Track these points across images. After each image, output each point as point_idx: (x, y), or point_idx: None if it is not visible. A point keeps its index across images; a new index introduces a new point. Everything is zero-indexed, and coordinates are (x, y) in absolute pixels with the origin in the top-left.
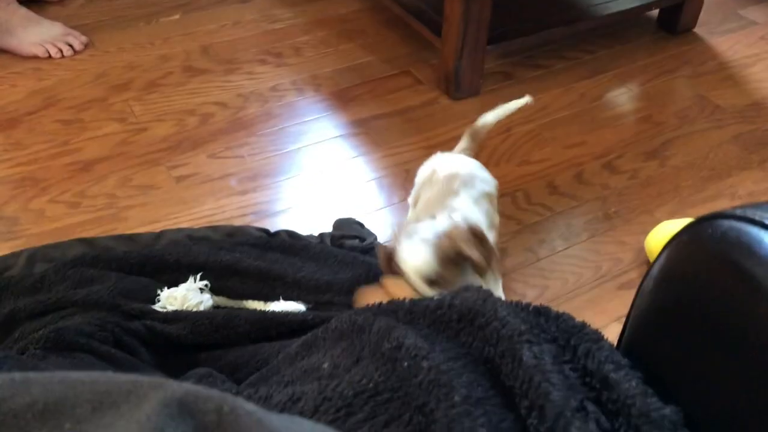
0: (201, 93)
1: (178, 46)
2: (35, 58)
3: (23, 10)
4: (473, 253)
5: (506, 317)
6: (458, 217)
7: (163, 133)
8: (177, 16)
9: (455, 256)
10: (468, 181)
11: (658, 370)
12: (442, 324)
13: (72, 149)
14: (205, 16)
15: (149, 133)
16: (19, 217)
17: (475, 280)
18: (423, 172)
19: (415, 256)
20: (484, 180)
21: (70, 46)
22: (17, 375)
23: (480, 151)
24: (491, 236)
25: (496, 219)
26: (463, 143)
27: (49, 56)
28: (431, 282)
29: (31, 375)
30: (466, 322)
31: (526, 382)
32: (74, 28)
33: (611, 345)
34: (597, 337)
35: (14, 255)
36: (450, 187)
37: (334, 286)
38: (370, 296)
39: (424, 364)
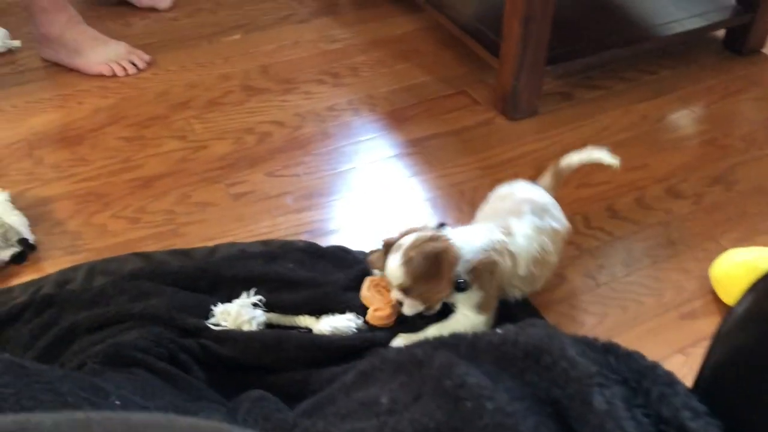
0: (259, 112)
1: (238, 66)
2: (101, 76)
3: (91, 31)
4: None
5: (575, 357)
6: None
7: (222, 151)
8: (237, 36)
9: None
10: (538, 210)
11: (739, 419)
12: (506, 361)
13: (134, 165)
14: (264, 36)
15: (208, 150)
16: (81, 232)
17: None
18: (500, 189)
19: (391, 267)
20: (556, 218)
21: (134, 64)
22: (80, 415)
23: (538, 173)
24: (529, 267)
25: (552, 258)
26: (545, 180)
27: (114, 74)
28: (405, 291)
29: (93, 415)
30: (531, 361)
31: (597, 428)
32: (138, 47)
33: (686, 389)
34: (671, 380)
35: (74, 269)
36: (519, 207)
37: None
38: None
39: (489, 405)
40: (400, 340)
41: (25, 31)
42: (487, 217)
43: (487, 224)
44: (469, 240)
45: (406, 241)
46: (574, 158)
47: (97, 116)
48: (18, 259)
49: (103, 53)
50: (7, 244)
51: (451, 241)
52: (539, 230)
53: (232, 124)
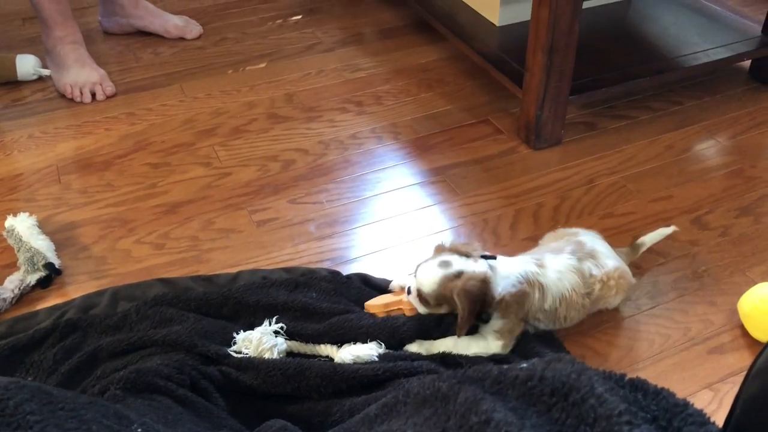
0: (284, 139)
1: (263, 94)
2: (127, 102)
3: (80, 52)
4: (459, 307)
5: (603, 394)
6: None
7: (246, 178)
8: (263, 65)
9: (450, 297)
10: (582, 254)
11: None
12: (533, 397)
13: (159, 192)
14: (289, 65)
15: (233, 177)
16: (106, 257)
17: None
18: (568, 229)
19: (425, 276)
20: (600, 265)
21: (93, 94)
22: None
23: (562, 203)
24: (554, 303)
25: (582, 301)
26: (624, 249)
27: (72, 99)
28: (425, 302)
29: None
30: (559, 397)
31: None
32: (166, 75)
33: (718, 429)
34: (702, 420)
35: (99, 293)
36: (563, 246)
37: (406, 329)
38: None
39: None
40: (415, 346)
41: None
42: (537, 249)
43: (524, 257)
44: (506, 274)
45: (454, 261)
46: (646, 238)
47: (124, 143)
48: (44, 284)
49: (74, 75)
50: (34, 269)
51: (491, 283)
52: (574, 270)
53: (256, 152)
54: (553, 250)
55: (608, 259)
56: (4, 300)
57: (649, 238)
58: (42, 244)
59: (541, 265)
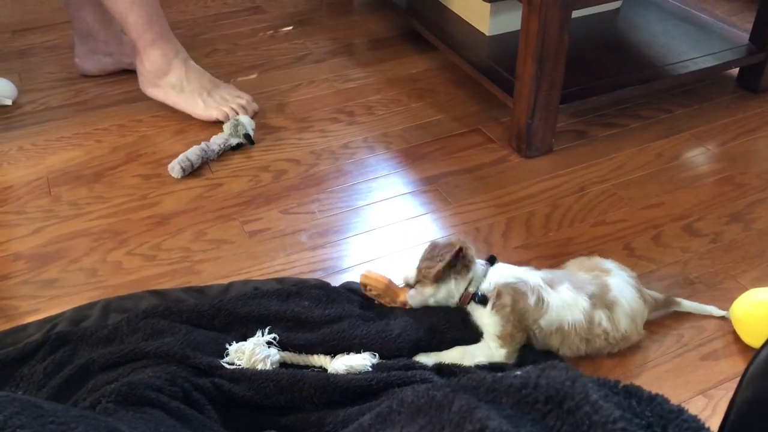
0: (275, 150)
1: (255, 104)
2: (117, 115)
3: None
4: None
5: (598, 401)
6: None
7: (237, 189)
8: (254, 75)
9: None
10: (600, 300)
11: None
12: (527, 405)
13: (150, 203)
14: (280, 76)
15: (224, 188)
16: (97, 269)
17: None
18: (605, 263)
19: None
20: (614, 321)
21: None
22: None
23: (553, 210)
24: (551, 326)
25: (577, 342)
26: (660, 296)
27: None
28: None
29: None
30: (553, 404)
31: None
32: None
33: None
34: (697, 426)
35: (90, 306)
36: (585, 285)
37: (400, 340)
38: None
39: None
40: (424, 358)
41: (46, 71)
42: (559, 272)
43: (535, 270)
44: (501, 271)
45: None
46: (684, 304)
47: (115, 154)
48: (238, 147)
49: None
50: (236, 134)
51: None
52: (583, 311)
53: (248, 162)
54: (574, 283)
55: (623, 317)
56: (213, 151)
57: (689, 305)
58: (245, 120)
59: (550, 284)
